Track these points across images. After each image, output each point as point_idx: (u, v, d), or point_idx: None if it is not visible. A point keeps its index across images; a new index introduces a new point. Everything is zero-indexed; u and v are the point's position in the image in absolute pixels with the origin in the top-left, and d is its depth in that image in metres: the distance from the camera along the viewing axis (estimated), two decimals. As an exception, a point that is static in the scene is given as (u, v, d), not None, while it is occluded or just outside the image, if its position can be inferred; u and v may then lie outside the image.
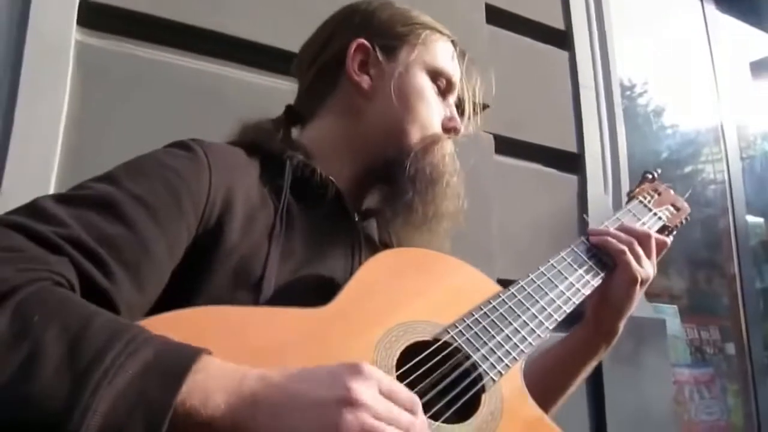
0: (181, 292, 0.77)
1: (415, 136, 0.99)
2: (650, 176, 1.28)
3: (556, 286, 0.97)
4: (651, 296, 2.72)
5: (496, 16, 2.30)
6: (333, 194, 0.96)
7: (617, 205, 2.40)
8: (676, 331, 3.02)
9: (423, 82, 1.02)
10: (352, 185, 1.00)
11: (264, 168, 0.93)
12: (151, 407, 0.52)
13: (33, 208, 0.69)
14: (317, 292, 0.83)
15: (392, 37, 1.03)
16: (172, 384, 0.53)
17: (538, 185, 2.31)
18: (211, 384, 0.56)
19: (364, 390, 0.59)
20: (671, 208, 1.21)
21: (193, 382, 0.55)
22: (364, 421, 0.57)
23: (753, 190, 3.88)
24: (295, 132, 1.08)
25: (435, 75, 1.04)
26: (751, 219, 3.77)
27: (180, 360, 0.56)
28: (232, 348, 0.63)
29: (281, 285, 0.83)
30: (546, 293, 0.95)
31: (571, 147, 2.46)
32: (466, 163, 1.94)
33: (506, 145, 2.21)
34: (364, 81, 1.01)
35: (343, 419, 0.56)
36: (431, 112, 1.02)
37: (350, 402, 0.57)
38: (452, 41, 1.09)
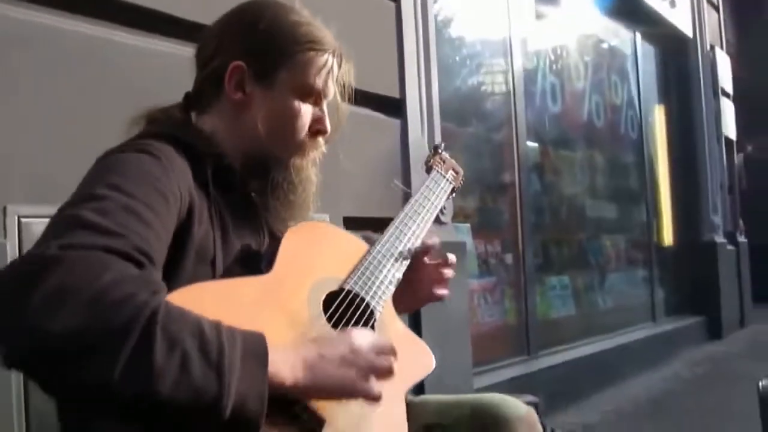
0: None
1: (282, 146, 1.21)
2: (438, 149, 1.55)
3: (405, 234, 1.31)
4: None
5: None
6: (238, 182, 1.19)
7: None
8: (469, 246, 3.51)
9: (291, 102, 1.19)
10: (244, 172, 1.23)
11: (189, 161, 1.10)
12: (258, 383, 0.84)
13: (84, 223, 0.86)
14: (248, 262, 1.13)
15: (268, 62, 1.18)
16: (263, 367, 0.85)
17: (370, 129, 2.58)
18: (278, 359, 0.88)
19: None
20: (453, 173, 1.52)
21: (271, 363, 0.86)
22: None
23: (533, 120, 4.51)
24: (193, 116, 1.24)
25: (305, 92, 1.20)
26: (529, 144, 4.40)
27: (258, 347, 0.86)
28: (227, 311, 0.90)
29: (226, 260, 1.10)
30: (401, 241, 1.29)
31: (395, 93, 2.78)
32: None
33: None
34: (240, 97, 1.18)
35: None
36: (298, 125, 1.20)
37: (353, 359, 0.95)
38: (332, 51, 1.23)
